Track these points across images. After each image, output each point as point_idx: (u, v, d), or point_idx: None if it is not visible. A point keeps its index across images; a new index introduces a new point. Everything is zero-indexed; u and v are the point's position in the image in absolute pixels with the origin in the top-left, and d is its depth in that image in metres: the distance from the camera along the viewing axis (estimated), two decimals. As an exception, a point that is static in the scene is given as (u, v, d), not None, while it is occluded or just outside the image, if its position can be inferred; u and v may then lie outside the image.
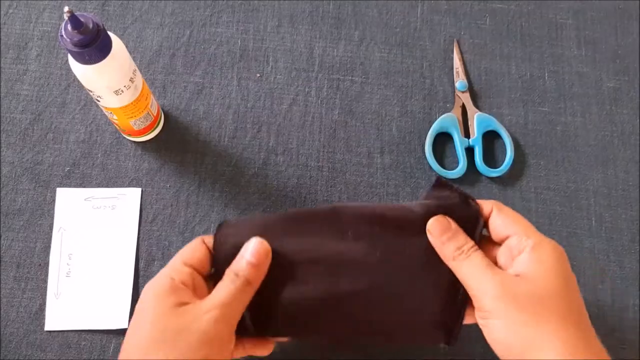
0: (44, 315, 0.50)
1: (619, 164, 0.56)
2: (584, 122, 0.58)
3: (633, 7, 0.62)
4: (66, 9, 0.38)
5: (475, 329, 0.51)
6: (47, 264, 0.51)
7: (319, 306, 0.42)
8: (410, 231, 0.43)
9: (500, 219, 0.41)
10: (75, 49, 0.40)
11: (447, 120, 0.56)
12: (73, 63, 0.43)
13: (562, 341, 0.37)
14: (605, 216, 0.55)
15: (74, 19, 0.39)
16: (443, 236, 0.41)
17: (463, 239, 0.41)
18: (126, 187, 0.53)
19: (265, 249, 0.41)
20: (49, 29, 0.58)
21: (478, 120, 0.56)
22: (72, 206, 0.53)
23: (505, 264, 0.41)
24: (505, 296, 0.38)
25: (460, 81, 0.58)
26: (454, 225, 0.42)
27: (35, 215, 0.52)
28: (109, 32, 0.43)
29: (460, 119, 0.56)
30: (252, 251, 0.40)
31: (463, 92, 0.57)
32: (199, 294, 0.40)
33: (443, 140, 0.56)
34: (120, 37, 0.45)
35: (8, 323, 0.49)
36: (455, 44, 0.60)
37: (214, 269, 0.41)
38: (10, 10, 0.58)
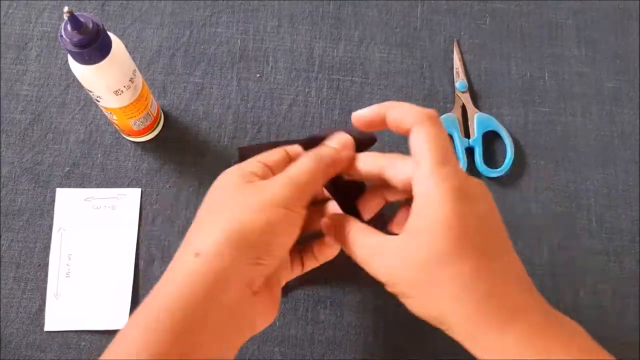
0: (44, 315, 0.50)
1: (619, 164, 0.56)
2: (584, 122, 0.58)
3: (633, 7, 0.62)
4: (66, 9, 0.38)
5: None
6: (46, 265, 0.51)
7: None
8: None
9: (418, 136, 0.36)
10: (75, 49, 0.40)
11: (447, 121, 0.56)
12: (73, 63, 0.43)
13: (465, 308, 0.33)
14: (606, 216, 0.55)
15: (73, 19, 0.39)
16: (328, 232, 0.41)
17: (339, 221, 0.39)
18: (126, 187, 0.53)
19: (350, 142, 0.41)
20: (49, 29, 0.58)
21: (478, 121, 0.56)
22: (72, 206, 0.53)
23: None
24: (399, 267, 0.35)
25: (460, 81, 0.58)
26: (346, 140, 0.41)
27: (35, 215, 0.52)
28: (109, 32, 0.43)
29: (460, 119, 0.56)
30: (339, 140, 0.40)
31: (463, 92, 0.57)
32: None
33: (443, 140, 0.56)
34: (120, 37, 0.45)
35: (8, 323, 0.49)
36: (455, 44, 0.60)
37: None
38: (10, 11, 0.58)
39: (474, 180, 0.36)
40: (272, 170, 0.40)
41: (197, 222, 0.38)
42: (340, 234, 0.39)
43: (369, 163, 0.40)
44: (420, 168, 0.35)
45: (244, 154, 0.43)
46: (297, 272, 0.45)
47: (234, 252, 0.35)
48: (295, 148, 0.42)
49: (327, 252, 0.44)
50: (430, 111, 0.37)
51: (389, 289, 0.36)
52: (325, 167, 0.39)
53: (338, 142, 0.40)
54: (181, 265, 0.36)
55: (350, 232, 0.38)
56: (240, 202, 0.37)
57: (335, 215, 0.41)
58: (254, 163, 0.40)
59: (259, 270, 0.36)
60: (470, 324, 0.33)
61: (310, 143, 0.42)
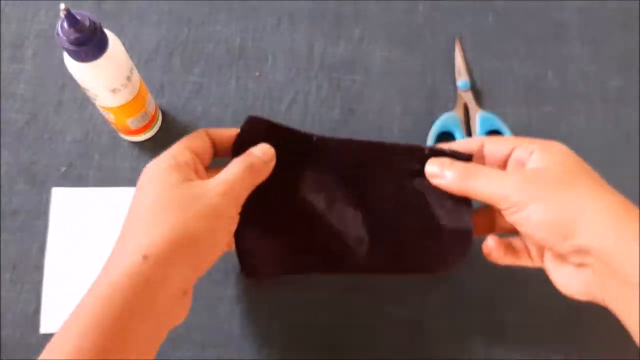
0: (40, 317, 0.49)
1: (624, 163, 0.56)
2: (588, 121, 0.57)
3: (638, 6, 0.61)
4: (62, 6, 0.38)
5: (477, 329, 0.50)
6: (43, 266, 0.50)
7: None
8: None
9: (494, 143, 0.43)
10: (72, 47, 0.40)
11: (449, 120, 0.55)
12: (69, 61, 0.43)
13: (600, 198, 0.38)
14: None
15: (70, 17, 0.39)
16: (444, 170, 0.43)
17: (462, 164, 0.43)
18: (123, 186, 0.53)
19: (272, 154, 0.43)
20: (46, 27, 0.57)
21: (481, 120, 0.55)
22: (68, 207, 0.52)
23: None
24: (530, 181, 0.39)
25: (462, 80, 0.57)
26: (446, 159, 0.44)
27: (31, 216, 0.52)
28: (106, 30, 0.43)
29: (463, 118, 0.56)
30: (263, 150, 0.43)
31: (465, 91, 0.57)
32: (201, 178, 0.41)
33: (445, 139, 0.56)
34: (117, 35, 0.45)
35: (4, 326, 0.49)
36: (457, 42, 0.59)
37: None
38: (7, 9, 0.58)
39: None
40: (200, 159, 0.42)
41: (138, 218, 0.38)
42: (460, 169, 0.43)
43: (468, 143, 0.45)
44: (524, 139, 0.43)
45: (250, 128, 0.44)
46: None
47: (180, 258, 0.37)
48: (221, 133, 0.44)
49: None
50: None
51: (507, 202, 0.40)
52: (255, 178, 0.42)
53: (263, 152, 0.43)
54: (126, 265, 0.36)
55: (470, 166, 0.43)
56: (184, 205, 0.38)
57: (462, 164, 0.44)
58: (184, 152, 0.41)
59: (196, 274, 0.39)
60: (606, 213, 0.38)
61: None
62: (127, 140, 0.54)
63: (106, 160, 0.54)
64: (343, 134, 0.56)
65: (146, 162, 0.53)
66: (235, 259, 0.49)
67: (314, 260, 0.47)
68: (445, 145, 0.45)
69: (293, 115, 0.56)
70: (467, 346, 0.50)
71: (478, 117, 0.55)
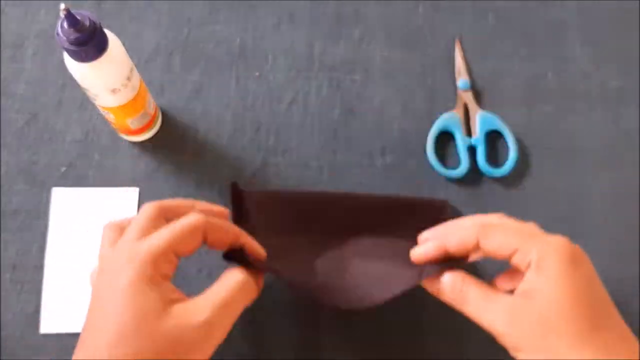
0: (40, 317, 0.49)
1: (624, 164, 0.56)
2: (588, 121, 0.57)
3: (638, 6, 0.61)
4: (62, 6, 0.38)
5: (476, 329, 0.50)
6: (43, 266, 0.50)
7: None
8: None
9: (491, 242, 0.38)
10: (72, 47, 0.40)
11: (449, 120, 0.55)
12: (69, 61, 0.43)
13: (583, 357, 0.34)
14: (610, 217, 0.54)
15: (70, 17, 0.39)
16: (433, 289, 0.41)
17: (450, 277, 0.40)
18: (123, 187, 0.53)
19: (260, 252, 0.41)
20: (46, 27, 0.57)
21: (480, 120, 0.55)
22: (68, 207, 0.52)
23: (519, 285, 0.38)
24: (515, 322, 0.36)
25: (462, 80, 0.57)
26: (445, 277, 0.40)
27: (31, 216, 0.52)
28: (106, 30, 0.43)
29: (463, 118, 0.56)
30: (252, 248, 0.40)
31: (465, 91, 0.57)
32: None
33: (445, 139, 0.56)
34: (117, 35, 0.45)
35: (4, 325, 0.49)
36: (457, 42, 0.59)
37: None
38: (6, 9, 0.58)
39: (575, 245, 0.38)
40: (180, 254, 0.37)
41: (103, 342, 0.33)
42: (453, 281, 0.40)
43: (463, 237, 0.40)
44: (512, 246, 0.37)
45: (238, 197, 0.48)
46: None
47: None
48: (220, 227, 0.38)
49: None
50: (481, 219, 0.41)
51: (502, 340, 0.37)
52: (244, 294, 0.38)
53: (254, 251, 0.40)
54: None
55: (465, 281, 0.39)
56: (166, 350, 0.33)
57: (450, 274, 0.40)
58: (171, 260, 0.36)
59: None
60: None
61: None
62: (127, 140, 0.54)
63: (106, 160, 0.54)
64: (343, 134, 0.56)
65: (146, 162, 0.53)
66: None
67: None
68: (436, 234, 0.43)
69: (293, 116, 0.56)
70: (466, 346, 0.50)
71: (478, 117, 0.55)
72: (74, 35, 0.39)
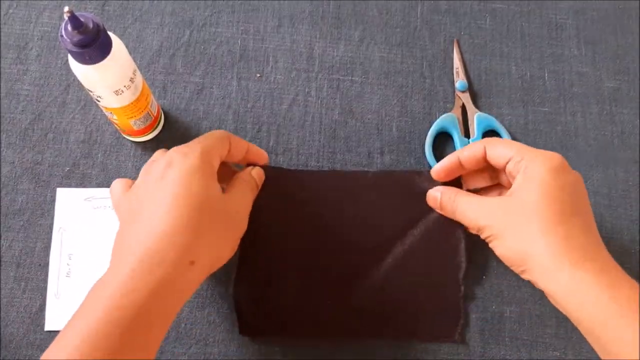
0: (44, 315, 0.50)
1: (619, 164, 0.56)
2: (584, 122, 0.58)
3: (633, 6, 0.62)
4: (66, 8, 0.38)
5: (474, 329, 0.51)
6: (47, 264, 0.51)
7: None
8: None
9: (494, 151, 0.46)
10: (75, 49, 0.40)
11: (447, 120, 0.56)
12: (73, 63, 0.43)
13: (546, 244, 0.40)
14: (605, 216, 0.55)
15: (74, 19, 0.39)
16: (436, 193, 0.50)
17: (450, 191, 0.49)
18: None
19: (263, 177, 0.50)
20: (49, 29, 0.58)
21: (478, 120, 0.56)
22: (72, 206, 0.53)
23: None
24: (495, 216, 0.44)
25: (460, 81, 0.58)
26: (435, 190, 0.50)
27: (35, 215, 0.52)
28: (109, 32, 0.43)
29: (461, 118, 0.56)
30: (258, 175, 0.50)
31: (463, 92, 0.57)
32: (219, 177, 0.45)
33: (443, 140, 0.56)
34: (120, 37, 0.45)
35: (8, 323, 0.49)
36: (455, 43, 0.60)
37: None
38: (10, 10, 0.58)
39: (563, 159, 0.44)
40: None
41: (189, 219, 0.40)
42: (448, 197, 0.49)
43: (473, 148, 0.48)
44: (507, 155, 0.45)
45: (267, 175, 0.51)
46: None
47: (213, 268, 0.43)
48: (238, 143, 0.48)
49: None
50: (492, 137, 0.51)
51: (483, 234, 0.45)
52: (253, 195, 0.48)
53: (259, 177, 0.50)
54: (174, 272, 0.38)
55: (457, 195, 0.48)
56: (223, 229, 0.43)
57: (444, 188, 0.50)
58: (216, 159, 0.45)
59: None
60: (548, 259, 0.40)
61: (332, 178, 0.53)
62: (130, 141, 0.55)
63: (109, 160, 0.54)
64: (342, 134, 0.56)
65: (149, 162, 0.54)
66: (236, 257, 0.50)
67: (314, 323, 0.50)
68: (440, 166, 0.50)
69: (293, 116, 0.57)
70: (465, 344, 0.50)
71: (475, 118, 0.56)
72: (77, 37, 0.40)
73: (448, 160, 0.49)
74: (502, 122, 0.56)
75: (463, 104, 0.57)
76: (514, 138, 0.56)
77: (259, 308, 0.50)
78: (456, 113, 0.56)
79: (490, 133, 0.56)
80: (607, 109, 0.58)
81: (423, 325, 0.50)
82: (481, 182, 0.50)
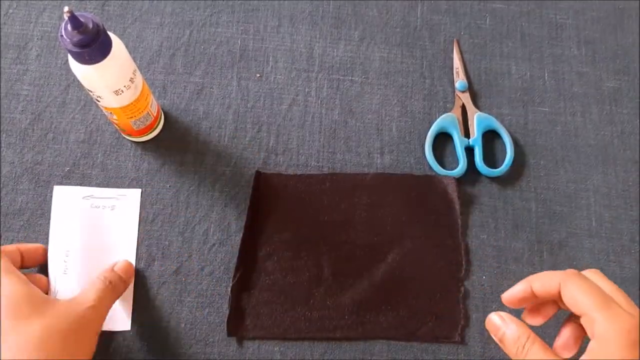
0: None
1: (619, 164, 0.56)
2: (584, 122, 0.58)
3: (633, 6, 0.62)
4: (66, 9, 0.38)
5: (474, 329, 0.51)
6: (46, 265, 0.51)
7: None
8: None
9: (567, 293, 0.38)
10: (75, 49, 0.40)
11: (447, 120, 0.56)
12: (73, 63, 0.43)
13: None
14: (605, 216, 0.55)
15: (73, 19, 0.39)
16: (497, 335, 0.40)
17: (516, 331, 0.39)
18: (126, 187, 0.53)
19: (131, 269, 0.50)
20: (49, 29, 0.58)
21: (478, 120, 0.56)
22: (70, 204, 0.52)
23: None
24: None
25: (460, 81, 0.58)
26: (501, 318, 0.40)
27: (35, 215, 0.52)
28: (109, 32, 0.43)
29: (460, 118, 0.56)
30: (122, 268, 0.49)
31: (463, 92, 0.57)
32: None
33: (443, 140, 0.56)
34: (120, 37, 0.45)
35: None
36: (455, 43, 0.60)
37: (249, 202, 0.53)
38: (10, 11, 0.58)
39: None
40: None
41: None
42: (517, 339, 0.39)
43: (547, 284, 0.39)
44: (583, 308, 0.36)
45: (260, 180, 0.52)
46: None
47: None
48: (28, 248, 0.50)
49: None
50: (572, 270, 0.39)
51: None
52: (115, 296, 0.48)
53: (123, 270, 0.49)
54: None
55: (532, 346, 0.38)
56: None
57: (517, 325, 0.39)
58: (19, 277, 0.44)
59: None
60: None
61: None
62: (130, 141, 0.55)
63: (109, 160, 0.54)
64: (342, 134, 0.56)
65: (149, 162, 0.54)
66: (235, 259, 0.50)
67: (308, 325, 0.50)
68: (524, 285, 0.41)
69: (293, 116, 0.57)
70: (465, 344, 0.50)
71: (475, 117, 0.56)
72: (77, 37, 0.40)
73: (521, 290, 0.40)
74: (502, 122, 0.56)
75: (463, 104, 0.57)
76: (513, 138, 0.56)
77: (256, 309, 0.50)
78: (456, 113, 0.56)
79: (490, 133, 0.56)
80: (607, 109, 0.58)
81: (423, 325, 0.50)
82: (544, 317, 0.42)
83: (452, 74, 0.59)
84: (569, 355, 0.39)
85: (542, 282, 0.39)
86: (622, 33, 0.61)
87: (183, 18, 0.59)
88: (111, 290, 0.47)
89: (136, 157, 0.54)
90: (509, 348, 0.39)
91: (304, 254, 0.51)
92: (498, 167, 0.55)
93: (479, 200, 0.55)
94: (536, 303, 0.41)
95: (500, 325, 0.40)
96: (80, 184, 0.53)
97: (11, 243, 0.51)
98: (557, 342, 0.40)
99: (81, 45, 0.40)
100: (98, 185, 0.53)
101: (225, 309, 0.50)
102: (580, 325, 0.38)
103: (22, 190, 0.53)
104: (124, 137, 0.55)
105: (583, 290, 0.37)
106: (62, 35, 0.40)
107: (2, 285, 0.42)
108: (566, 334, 0.40)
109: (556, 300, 0.40)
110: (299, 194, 0.51)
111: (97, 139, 0.55)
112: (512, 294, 0.41)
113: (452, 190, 0.53)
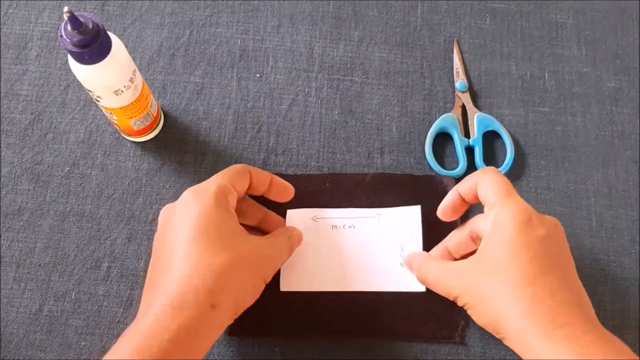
0: (44, 315, 0.50)
1: (620, 164, 0.56)
2: (584, 122, 0.58)
3: (633, 6, 0.62)
4: (66, 9, 0.38)
5: (474, 329, 0.51)
6: (47, 264, 0.51)
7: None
8: None
9: (480, 188, 0.43)
10: (75, 49, 0.40)
11: (447, 120, 0.56)
12: (73, 63, 0.43)
13: (517, 309, 0.37)
14: (606, 216, 0.55)
15: (73, 19, 0.39)
16: (410, 263, 0.49)
17: (417, 260, 0.48)
18: (126, 186, 0.53)
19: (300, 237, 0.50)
20: (49, 29, 0.58)
21: (478, 120, 0.56)
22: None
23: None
24: (467, 282, 0.41)
25: (460, 81, 0.58)
26: (417, 255, 0.49)
27: (35, 215, 0.52)
28: (109, 32, 0.43)
29: (460, 119, 0.56)
30: (300, 236, 0.50)
31: (463, 92, 0.57)
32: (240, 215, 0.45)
33: (443, 140, 0.56)
34: (120, 37, 0.45)
35: (8, 323, 0.49)
36: (455, 44, 0.60)
37: None
38: (10, 10, 0.58)
39: (531, 210, 0.41)
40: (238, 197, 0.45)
41: (203, 252, 0.40)
42: (417, 266, 0.47)
43: (469, 181, 0.46)
44: (488, 200, 0.42)
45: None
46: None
47: (238, 311, 0.42)
48: (259, 175, 0.47)
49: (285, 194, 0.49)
50: (490, 167, 0.47)
51: (458, 302, 0.42)
52: (287, 255, 0.47)
53: (299, 236, 0.50)
54: (196, 316, 0.38)
55: (424, 263, 0.47)
56: (246, 272, 0.41)
57: (414, 253, 0.49)
58: (233, 194, 0.44)
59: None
60: (518, 328, 0.37)
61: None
62: (130, 141, 0.55)
63: (109, 160, 0.54)
64: (342, 134, 0.56)
65: (149, 162, 0.54)
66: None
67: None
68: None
69: (293, 116, 0.57)
70: (465, 344, 0.50)
71: (475, 118, 0.56)
72: (77, 37, 0.40)
73: (450, 197, 0.47)
74: (502, 122, 0.56)
75: (463, 104, 0.57)
76: (513, 138, 0.56)
77: (256, 309, 0.50)
78: (456, 113, 0.56)
79: (490, 133, 0.56)
80: (607, 109, 0.58)
81: (423, 325, 0.50)
82: (467, 247, 0.47)
83: (452, 74, 0.59)
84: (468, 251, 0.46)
85: (466, 183, 0.45)
86: (623, 33, 0.61)
87: (183, 18, 0.59)
88: (289, 247, 0.47)
89: (136, 157, 0.54)
90: (417, 277, 0.47)
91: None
92: (498, 168, 0.55)
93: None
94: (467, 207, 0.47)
95: (408, 262, 0.49)
96: (80, 184, 0.53)
97: (11, 243, 0.51)
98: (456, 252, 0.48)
99: (81, 45, 0.40)
100: (98, 185, 0.53)
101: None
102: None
103: (21, 190, 0.53)
104: (124, 137, 0.55)
105: (492, 183, 0.42)
106: (62, 36, 0.40)
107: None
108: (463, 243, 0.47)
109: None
110: (298, 194, 0.51)
111: (97, 139, 0.55)
112: (445, 204, 0.46)
113: None
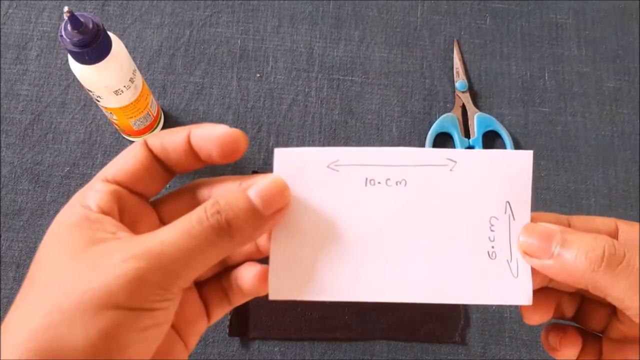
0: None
1: (619, 164, 0.56)
2: (584, 122, 0.58)
3: (633, 6, 0.62)
4: (66, 9, 0.38)
5: (474, 329, 0.51)
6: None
7: None
8: None
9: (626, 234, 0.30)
10: (75, 49, 0.40)
11: (447, 121, 0.56)
12: (73, 63, 0.43)
13: None
14: (606, 217, 0.55)
15: (73, 19, 0.39)
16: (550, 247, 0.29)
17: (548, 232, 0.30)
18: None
19: (284, 193, 0.28)
20: (49, 29, 0.58)
21: (478, 120, 0.56)
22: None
23: None
24: None
25: (460, 81, 0.58)
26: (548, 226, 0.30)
27: (35, 215, 0.52)
28: (109, 32, 0.43)
29: (461, 119, 0.56)
30: (262, 191, 0.27)
31: (463, 92, 0.57)
32: (139, 224, 0.27)
33: (443, 140, 0.56)
34: (120, 37, 0.45)
35: (8, 323, 0.49)
36: (455, 44, 0.60)
37: None
38: (10, 10, 0.58)
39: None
40: (131, 189, 0.28)
41: (22, 290, 0.25)
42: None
43: None
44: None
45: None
46: (219, 315, 0.31)
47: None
48: (173, 139, 0.28)
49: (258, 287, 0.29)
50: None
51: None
52: (216, 237, 0.25)
53: (260, 191, 0.27)
54: None
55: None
56: (67, 287, 0.23)
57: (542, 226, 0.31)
58: (101, 190, 0.27)
59: None
60: None
61: None
62: (130, 141, 0.55)
63: (109, 161, 0.54)
64: (342, 134, 0.56)
65: (148, 162, 0.54)
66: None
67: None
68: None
69: (293, 116, 0.57)
70: (465, 344, 0.50)
71: (476, 118, 0.56)
72: (77, 37, 0.40)
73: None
74: (502, 122, 0.56)
75: (463, 104, 0.57)
76: (514, 138, 0.56)
77: (257, 310, 0.50)
78: (456, 113, 0.56)
79: (490, 133, 0.56)
80: (607, 109, 0.58)
81: (423, 325, 0.50)
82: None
83: (452, 74, 0.59)
84: None
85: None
86: (623, 33, 0.61)
87: (183, 18, 0.59)
88: (215, 236, 0.25)
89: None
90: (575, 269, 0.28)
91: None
92: (498, 167, 0.55)
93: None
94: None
95: (555, 232, 0.30)
96: (80, 184, 0.53)
97: (11, 243, 0.51)
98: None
99: (81, 45, 0.40)
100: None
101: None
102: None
103: (22, 190, 0.53)
104: (124, 137, 0.55)
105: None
106: (62, 35, 0.40)
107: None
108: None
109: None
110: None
111: (97, 139, 0.55)
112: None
113: None
